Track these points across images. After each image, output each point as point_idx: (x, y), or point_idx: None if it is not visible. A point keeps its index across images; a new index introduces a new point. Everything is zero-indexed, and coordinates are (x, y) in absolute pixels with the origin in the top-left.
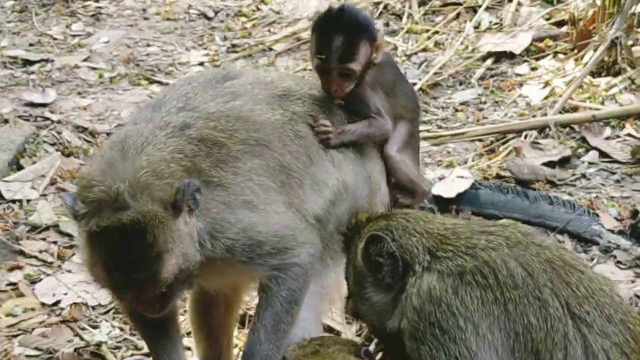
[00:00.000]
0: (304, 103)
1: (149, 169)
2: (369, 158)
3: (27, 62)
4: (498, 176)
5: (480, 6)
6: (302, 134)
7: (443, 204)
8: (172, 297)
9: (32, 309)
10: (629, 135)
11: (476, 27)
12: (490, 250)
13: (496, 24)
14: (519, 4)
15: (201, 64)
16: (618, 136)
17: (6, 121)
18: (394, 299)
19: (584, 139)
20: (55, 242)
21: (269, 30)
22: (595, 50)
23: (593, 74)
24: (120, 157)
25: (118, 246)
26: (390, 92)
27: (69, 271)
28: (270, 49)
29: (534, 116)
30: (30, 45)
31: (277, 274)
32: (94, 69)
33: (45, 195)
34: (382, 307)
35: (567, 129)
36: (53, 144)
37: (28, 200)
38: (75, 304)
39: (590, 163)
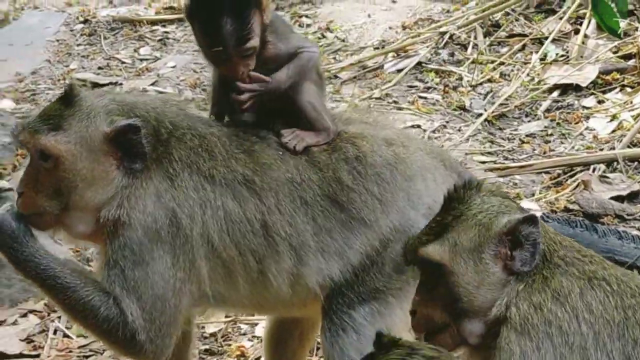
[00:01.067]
0: (326, 172)
1: (128, 100)
2: (424, 192)
3: (96, 85)
4: (566, 209)
5: (546, 38)
6: (308, 200)
7: None
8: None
9: None
10: None
11: (542, 59)
12: (614, 267)
13: (562, 56)
14: (586, 36)
15: None
16: None
17: None
18: (507, 281)
19: None
20: None
21: (334, 58)
22: None
23: None
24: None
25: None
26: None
27: None
28: (336, 77)
29: (601, 149)
30: (99, 68)
31: (114, 298)
32: (161, 92)
33: None
34: (492, 283)
35: (636, 163)
36: None
37: None
38: None
39: None
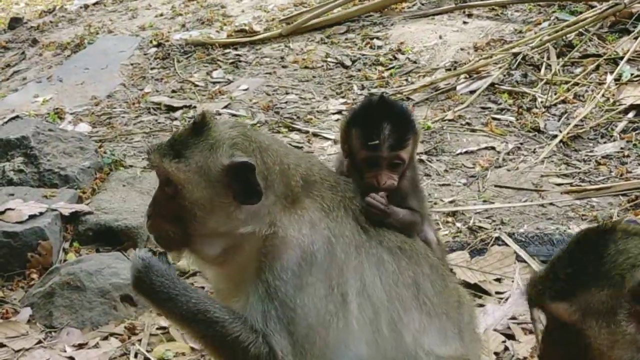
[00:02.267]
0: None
1: (261, 142)
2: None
3: (171, 108)
4: None
5: (621, 58)
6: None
7: None
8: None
9: (183, 354)
10: None
11: (617, 79)
12: None
13: (638, 76)
14: None
15: (339, 112)
16: None
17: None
18: None
19: None
20: (202, 287)
21: (407, 80)
22: None
23: None
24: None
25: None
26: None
27: None
28: (408, 98)
29: None
30: (173, 91)
31: (264, 336)
32: (234, 115)
33: None
34: (627, 342)
35: None
36: None
37: None
38: None
39: None
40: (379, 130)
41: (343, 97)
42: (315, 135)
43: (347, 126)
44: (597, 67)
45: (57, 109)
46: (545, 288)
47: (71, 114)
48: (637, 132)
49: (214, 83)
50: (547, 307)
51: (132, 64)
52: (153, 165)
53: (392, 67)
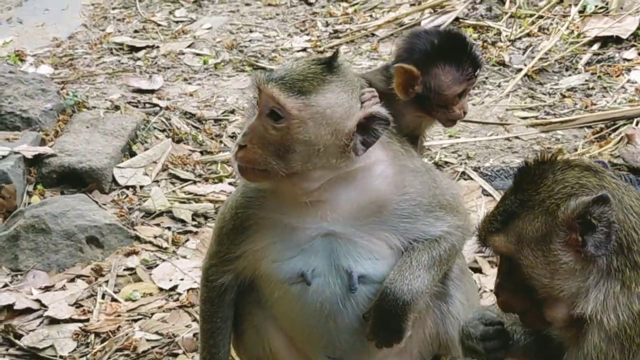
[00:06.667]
0: None
1: None
2: None
3: (133, 49)
4: (610, 164)
5: None
6: None
7: None
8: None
9: (150, 294)
10: None
11: (581, 12)
12: None
13: (602, 8)
14: None
15: (304, 49)
16: None
17: (117, 107)
18: (587, 268)
19: None
20: (169, 228)
21: (371, 16)
22: None
23: None
24: None
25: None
26: None
27: (184, 257)
28: (373, 35)
29: None
30: (135, 31)
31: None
32: (198, 55)
33: (157, 181)
34: (567, 272)
35: None
36: (163, 130)
37: (141, 187)
38: (191, 289)
39: None
40: (470, 60)
41: (307, 35)
42: None
43: (426, 67)
44: (561, 0)
45: (17, 51)
46: (487, 224)
47: (32, 55)
48: (601, 64)
49: (176, 22)
50: (489, 243)
51: (92, 4)
52: (266, 96)
53: (356, 3)
